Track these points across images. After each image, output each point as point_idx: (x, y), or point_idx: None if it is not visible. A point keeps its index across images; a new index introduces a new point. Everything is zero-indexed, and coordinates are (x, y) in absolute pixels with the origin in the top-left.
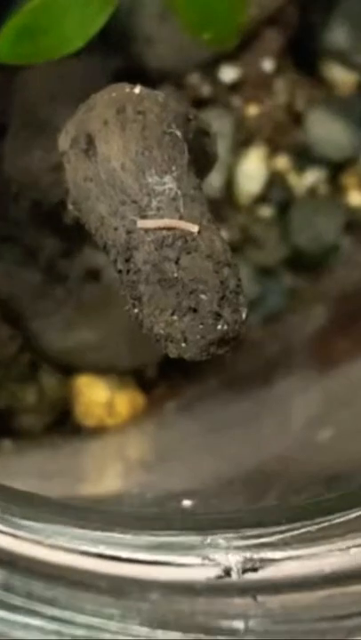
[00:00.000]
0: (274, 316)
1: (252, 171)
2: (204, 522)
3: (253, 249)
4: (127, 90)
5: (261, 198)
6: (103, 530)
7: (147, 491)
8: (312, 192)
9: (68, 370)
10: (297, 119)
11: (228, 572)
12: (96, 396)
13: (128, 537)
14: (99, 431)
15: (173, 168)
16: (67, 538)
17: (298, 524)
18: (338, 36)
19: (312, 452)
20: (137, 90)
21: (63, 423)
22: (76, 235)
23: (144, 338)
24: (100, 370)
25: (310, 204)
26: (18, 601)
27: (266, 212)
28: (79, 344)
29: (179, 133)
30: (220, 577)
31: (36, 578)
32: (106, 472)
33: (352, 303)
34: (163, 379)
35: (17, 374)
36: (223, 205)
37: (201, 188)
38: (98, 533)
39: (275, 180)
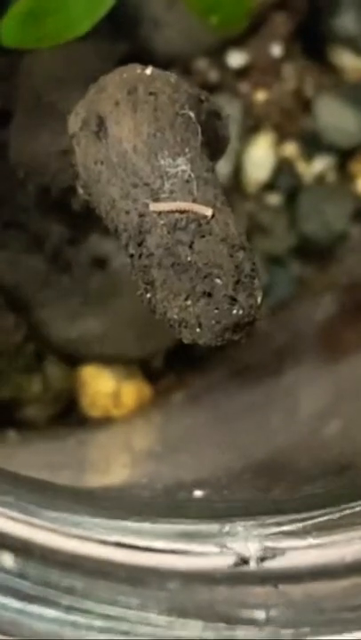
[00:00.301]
0: (282, 305)
1: (260, 158)
2: (222, 510)
3: (261, 237)
4: (138, 71)
5: (269, 186)
6: (119, 518)
7: (156, 481)
8: (320, 179)
9: (74, 360)
10: (306, 105)
11: (246, 560)
12: (102, 387)
13: (145, 525)
14: (105, 422)
15: (186, 150)
16: (83, 526)
17: (318, 512)
18: (347, 21)
19: (321, 442)
20: (148, 71)
21: (69, 414)
22: (84, 222)
23: (151, 327)
24: (106, 360)
25: (319, 191)
26: (34, 590)
27: (274, 199)
28: (85, 333)
29: (191, 115)
30: (237, 564)
31: (53, 566)
32: (113, 464)
33: None
34: (169, 369)
35: (22, 364)
36: (231, 193)
37: (214, 171)
38: (114, 522)
39: (283, 168)
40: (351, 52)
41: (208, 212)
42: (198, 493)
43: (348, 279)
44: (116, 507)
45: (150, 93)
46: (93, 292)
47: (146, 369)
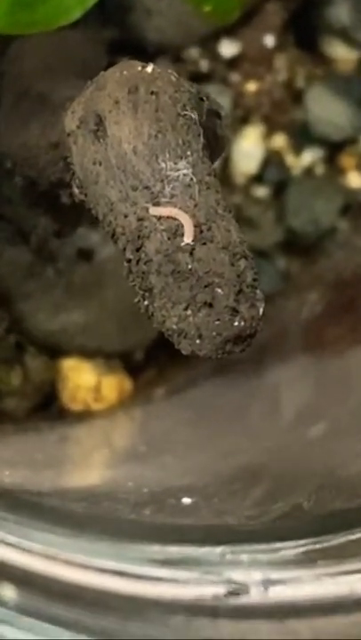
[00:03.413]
0: (267, 301)
1: (249, 149)
2: (222, 534)
3: (248, 230)
4: (139, 68)
5: (257, 178)
6: (122, 542)
7: (141, 485)
8: (309, 172)
9: (55, 352)
10: (296, 97)
11: (249, 590)
12: (82, 380)
13: (146, 549)
14: (85, 416)
15: (188, 153)
16: (82, 552)
17: (321, 538)
18: (341, 12)
19: (306, 446)
20: (149, 69)
21: (48, 407)
22: (71, 214)
23: (134, 320)
24: (88, 352)
25: (307, 185)
26: (31, 623)
27: (262, 192)
28: (67, 326)
29: (193, 116)
30: (240, 594)
31: (54, 598)
32: (96, 464)
33: (349, 289)
34: (151, 362)
35: (2, 356)
36: None
37: (215, 175)
38: (114, 547)
39: (271, 160)
40: (344, 43)
41: (189, 238)
42: (187, 501)
43: (335, 275)
44: (116, 531)
45: (152, 93)
46: (77, 285)
47: (127, 362)
